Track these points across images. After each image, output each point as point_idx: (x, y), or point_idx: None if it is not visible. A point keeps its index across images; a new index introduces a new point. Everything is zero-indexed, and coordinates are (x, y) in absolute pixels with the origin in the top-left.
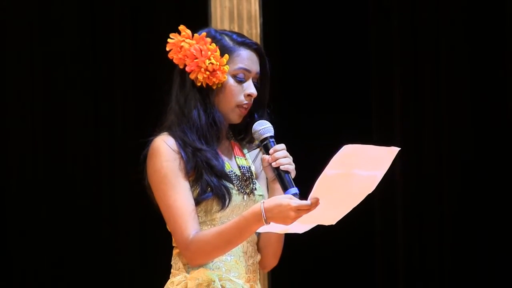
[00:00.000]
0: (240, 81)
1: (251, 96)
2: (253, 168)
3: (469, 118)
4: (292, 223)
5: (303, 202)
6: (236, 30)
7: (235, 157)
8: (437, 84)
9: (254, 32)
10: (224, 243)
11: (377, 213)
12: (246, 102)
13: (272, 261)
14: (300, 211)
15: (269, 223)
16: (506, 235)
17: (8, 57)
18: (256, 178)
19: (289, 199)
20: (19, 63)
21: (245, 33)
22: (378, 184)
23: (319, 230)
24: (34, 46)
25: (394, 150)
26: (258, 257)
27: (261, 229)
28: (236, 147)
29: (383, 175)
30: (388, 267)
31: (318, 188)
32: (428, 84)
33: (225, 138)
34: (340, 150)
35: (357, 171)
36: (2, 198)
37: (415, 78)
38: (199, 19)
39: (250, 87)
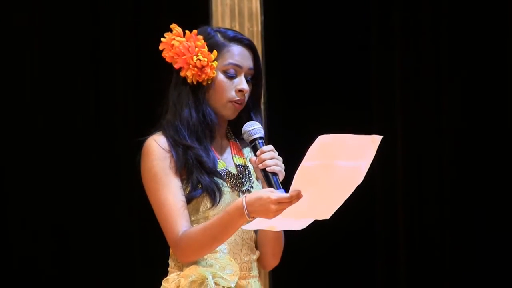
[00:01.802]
0: (231, 77)
1: (243, 92)
2: (251, 167)
3: (470, 113)
4: (274, 216)
5: (283, 194)
6: (237, 27)
7: (232, 155)
8: (438, 80)
9: (255, 29)
10: (210, 239)
11: (378, 211)
12: (237, 98)
13: (272, 260)
14: (281, 204)
15: (252, 217)
16: (505, 221)
17: (7, 56)
18: (258, 178)
19: (270, 192)
20: (19, 62)
21: (246, 31)
22: (378, 180)
23: (318, 226)
24: (35, 46)
25: (376, 139)
26: (257, 254)
27: (248, 226)
28: (234, 145)
29: (368, 165)
30: (388, 265)
31: (298, 180)
32: (429, 79)
33: (224, 137)
34: (316, 141)
35: (339, 162)
36: (1, 198)
37: (416, 74)
38: (200, 17)
39: (241, 83)
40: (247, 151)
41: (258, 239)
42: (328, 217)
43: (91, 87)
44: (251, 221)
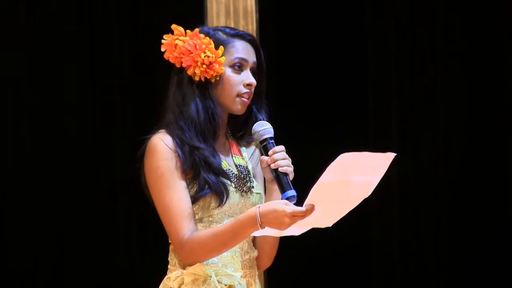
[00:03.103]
0: (238, 71)
1: (251, 86)
2: (250, 167)
3: (466, 120)
4: (287, 228)
5: (298, 208)
6: (232, 26)
7: (232, 156)
8: (434, 88)
9: (250, 28)
10: (218, 245)
11: (373, 212)
12: (246, 91)
13: (266, 262)
14: (295, 217)
15: (264, 227)
16: (500, 236)
17: (6, 56)
18: (254, 177)
19: (285, 205)
20: (18, 62)
21: (241, 29)
22: (375, 187)
23: (315, 229)
24: (34, 46)
25: (390, 156)
26: (255, 253)
27: (256, 233)
28: (233, 146)
29: (379, 179)
30: (385, 264)
31: (314, 195)
32: (425, 87)
33: (224, 137)
34: (337, 158)
35: (354, 177)
36: (0, 198)
37: (411, 81)
38: (195, 15)
39: (249, 77)
40: (244, 151)
41: (256, 241)
42: (330, 225)
43: (89, 88)
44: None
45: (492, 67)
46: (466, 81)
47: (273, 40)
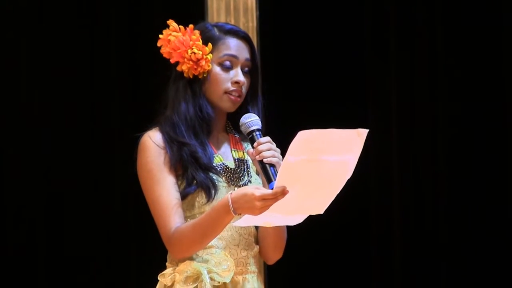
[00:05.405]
0: (227, 69)
1: (239, 83)
2: (250, 161)
3: (465, 110)
4: (260, 213)
5: (267, 191)
6: (232, 23)
7: (231, 149)
8: (433, 73)
9: (250, 25)
10: (199, 235)
11: (373, 206)
12: (233, 89)
13: (273, 254)
14: (266, 201)
15: (239, 214)
16: (500, 214)
17: (5, 57)
18: (258, 172)
19: (255, 189)
20: (16, 61)
21: (241, 26)
22: (373, 174)
23: (313, 222)
24: (32, 45)
25: (362, 132)
26: (255, 249)
27: (237, 222)
28: (234, 139)
29: (356, 159)
30: (384, 260)
31: (282, 176)
32: (424, 72)
33: (222, 131)
34: (296, 137)
35: (325, 157)
36: None
37: (411, 67)
38: (196, 12)
39: (237, 75)
40: (246, 144)
41: (259, 233)
42: (322, 211)
43: (87, 85)
44: (239, 217)
45: (491, 66)
46: (466, 66)
47: (274, 37)
